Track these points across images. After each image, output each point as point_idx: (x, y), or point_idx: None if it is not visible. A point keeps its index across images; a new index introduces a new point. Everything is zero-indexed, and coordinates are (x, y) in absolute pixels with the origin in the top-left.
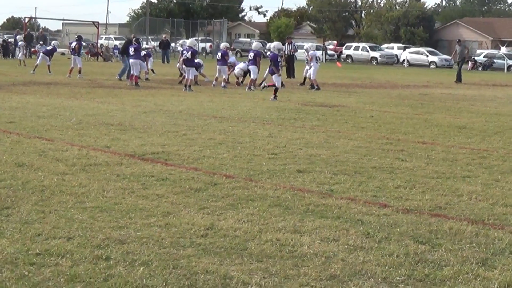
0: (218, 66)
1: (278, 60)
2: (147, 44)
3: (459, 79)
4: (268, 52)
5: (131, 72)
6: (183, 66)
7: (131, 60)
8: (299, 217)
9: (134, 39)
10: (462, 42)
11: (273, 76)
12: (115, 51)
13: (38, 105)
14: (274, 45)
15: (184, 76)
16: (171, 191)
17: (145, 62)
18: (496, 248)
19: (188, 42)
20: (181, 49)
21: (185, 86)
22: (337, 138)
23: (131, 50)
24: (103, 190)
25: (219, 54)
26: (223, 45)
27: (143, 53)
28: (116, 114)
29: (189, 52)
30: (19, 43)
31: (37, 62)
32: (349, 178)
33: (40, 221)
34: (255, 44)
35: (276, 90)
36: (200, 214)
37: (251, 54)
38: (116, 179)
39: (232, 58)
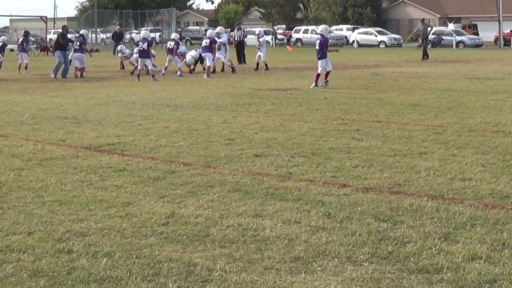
0: (168, 56)
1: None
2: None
3: (426, 56)
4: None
5: (75, 65)
6: (138, 57)
7: (75, 54)
8: (259, 201)
9: (79, 34)
10: (425, 21)
11: (320, 61)
12: None
13: None
14: (322, 28)
15: (136, 66)
16: (129, 181)
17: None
18: (457, 222)
19: (142, 33)
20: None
21: (138, 76)
22: (292, 121)
23: (76, 44)
24: (61, 183)
25: (171, 43)
26: (174, 35)
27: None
28: (69, 108)
29: (145, 44)
30: None
31: None
32: (306, 160)
33: None
34: (210, 31)
35: (318, 76)
36: (160, 203)
37: (206, 41)
38: (73, 172)
39: (182, 48)
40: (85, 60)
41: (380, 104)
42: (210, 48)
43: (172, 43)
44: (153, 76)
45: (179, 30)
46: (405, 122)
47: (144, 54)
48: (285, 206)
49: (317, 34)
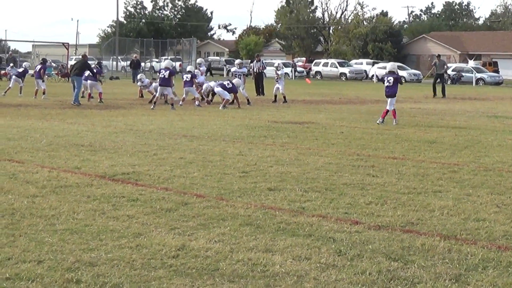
0: (185, 88)
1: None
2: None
3: (443, 93)
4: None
5: (89, 91)
6: (159, 85)
7: (90, 82)
8: (270, 235)
9: (97, 62)
10: (441, 57)
11: (391, 99)
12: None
13: (8, 127)
14: (393, 66)
15: (155, 95)
16: (141, 212)
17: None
18: (469, 263)
19: (165, 63)
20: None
21: (154, 103)
22: (308, 155)
23: (87, 72)
24: (73, 212)
25: (187, 76)
26: (190, 67)
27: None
28: (86, 135)
29: (167, 72)
30: None
31: (10, 86)
32: (320, 195)
33: (10, 245)
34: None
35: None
36: (171, 235)
37: (228, 82)
38: (86, 201)
39: (200, 78)
40: (101, 87)
41: (397, 140)
42: (225, 87)
43: (189, 75)
44: (172, 105)
45: (208, 59)
46: (421, 159)
47: (165, 82)
48: (296, 241)
49: (337, 67)
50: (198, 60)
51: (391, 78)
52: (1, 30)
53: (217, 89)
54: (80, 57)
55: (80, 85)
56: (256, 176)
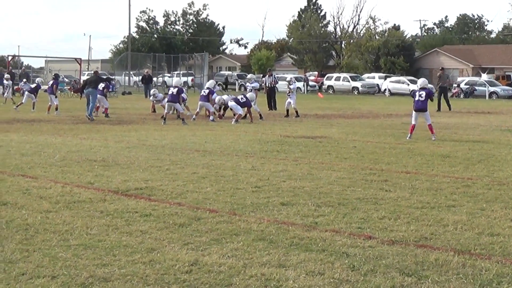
0: (200, 102)
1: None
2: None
3: (448, 106)
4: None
5: (97, 105)
6: (167, 102)
7: (99, 96)
8: (283, 251)
9: (106, 78)
10: (445, 70)
11: (427, 114)
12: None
13: (22, 142)
14: (424, 82)
15: (170, 111)
16: (155, 227)
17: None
18: (484, 279)
19: (174, 81)
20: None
21: (164, 119)
22: (320, 169)
23: (101, 87)
24: (87, 227)
25: (205, 91)
26: (210, 83)
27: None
28: (99, 150)
29: (176, 89)
30: (5, 82)
31: (23, 101)
32: (333, 210)
33: (24, 260)
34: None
35: (431, 127)
36: (184, 250)
37: (242, 97)
38: (99, 216)
39: (215, 95)
40: (107, 102)
41: (410, 155)
42: (239, 101)
43: (207, 91)
44: (183, 120)
45: (227, 73)
46: (434, 173)
47: (173, 98)
48: (309, 257)
49: (349, 81)
50: (249, 76)
51: (423, 93)
52: (13, 45)
53: (231, 104)
54: (92, 73)
55: (95, 99)
56: (269, 191)
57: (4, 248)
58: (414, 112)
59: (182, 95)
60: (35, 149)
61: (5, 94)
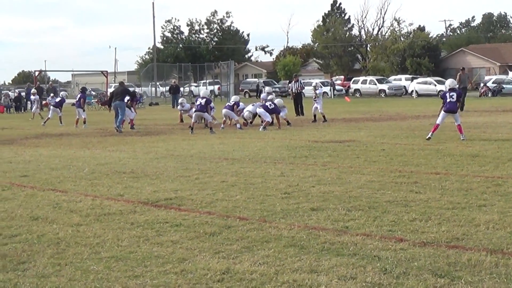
0: (224, 110)
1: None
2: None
3: (461, 107)
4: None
5: (124, 118)
6: (195, 112)
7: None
8: (315, 256)
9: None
10: (466, 70)
11: (457, 115)
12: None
13: (51, 157)
14: (452, 82)
15: (197, 121)
16: (185, 237)
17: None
18: None
19: (202, 92)
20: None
21: (191, 128)
22: (350, 173)
23: (126, 99)
24: (117, 239)
25: (230, 103)
26: (234, 98)
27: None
28: (128, 162)
29: (204, 100)
30: (32, 97)
31: (49, 116)
32: (363, 213)
33: (57, 274)
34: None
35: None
36: (215, 259)
37: (269, 103)
38: (130, 228)
39: (241, 106)
40: (133, 114)
41: (439, 156)
42: (275, 108)
43: (232, 103)
44: (210, 129)
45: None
46: (464, 173)
47: (201, 108)
48: (341, 261)
49: (375, 84)
50: (267, 89)
51: (454, 94)
52: (40, 60)
53: (259, 110)
54: (118, 84)
55: (124, 111)
56: (298, 196)
57: (36, 263)
58: (443, 112)
59: (211, 104)
60: (64, 163)
61: (33, 109)
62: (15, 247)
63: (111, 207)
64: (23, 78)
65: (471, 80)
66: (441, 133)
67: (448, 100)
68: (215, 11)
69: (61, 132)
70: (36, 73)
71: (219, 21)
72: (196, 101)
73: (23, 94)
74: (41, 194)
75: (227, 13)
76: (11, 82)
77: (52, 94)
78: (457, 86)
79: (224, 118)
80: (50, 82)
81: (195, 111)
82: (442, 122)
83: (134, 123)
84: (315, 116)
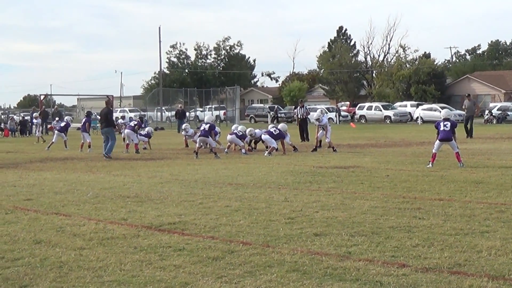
0: (229, 137)
1: None
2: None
3: (470, 134)
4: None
5: (127, 142)
6: (199, 137)
7: (128, 131)
8: (317, 281)
9: (139, 117)
10: (472, 97)
11: (452, 143)
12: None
13: (55, 180)
14: (447, 113)
15: (201, 146)
16: (188, 261)
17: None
18: None
19: (206, 118)
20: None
21: (196, 153)
22: (353, 199)
23: (132, 123)
24: (120, 263)
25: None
26: (235, 126)
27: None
28: (132, 186)
29: (208, 125)
30: (34, 121)
31: (53, 140)
32: (366, 239)
33: None
34: (282, 125)
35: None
36: (218, 283)
37: (274, 129)
38: (133, 252)
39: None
40: (136, 138)
41: (443, 182)
42: (279, 134)
43: (239, 133)
44: (215, 154)
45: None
46: (468, 200)
47: (205, 133)
48: (343, 286)
49: (381, 110)
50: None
51: (448, 123)
52: (46, 85)
53: (264, 137)
54: (105, 103)
55: (114, 135)
56: (302, 222)
57: (39, 287)
58: (438, 141)
59: (215, 130)
60: (68, 187)
61: (37, 133)
62: (18, 271)
63: (114, 231)
64: (29, 102)
65: (478, 106)
66: (445, 159)
67: (442, 128)
68: (229, 38)
69: (66, 156)
70: (42, 97)
71: (228, 48)
72: (201, 126)
73: (27, 118)
74: (44, 217)
75: (238, 41)
76: (16, 106)
77: (57, 118)
78: (465, 112)
79: (228, 143)
80: (55, 106)
81: (199, 136)
82: (438, 150)
83: (138, 148)
84: (320, 141)
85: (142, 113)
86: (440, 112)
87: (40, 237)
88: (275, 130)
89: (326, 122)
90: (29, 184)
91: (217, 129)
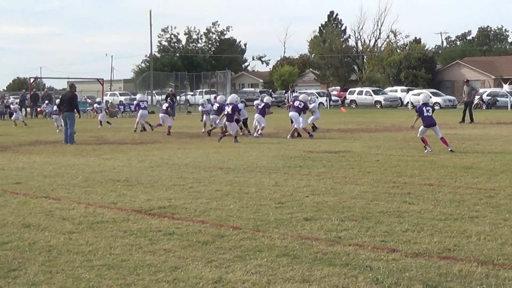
0: (225, 122)
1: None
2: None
3: (471, 119)
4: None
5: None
6: (224, 121)
7: (162, 115)
8: (307, 266)
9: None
10: (470, 82)
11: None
12: (120, 106)
13: (45, 164)
14: (424, 96)
15: (222, 128)
16: (178, 245)
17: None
18: None
19: (229, 98)
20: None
21: (220, 137)
22: (344, 184)
23: (164, 106)
24: (110, 247)
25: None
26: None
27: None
28: (122, 170)
29: (230, 107)
30: (12, 106)
31: (62, 124)
32: (356, 224)
33: (48, 282)
34: (267, 98)
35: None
36: (208, 268)
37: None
38: (123, 236)
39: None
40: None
41: (433, 167)
42: (264, 111)
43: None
44: (235, 137)
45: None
46: (457, 185)
47: (231, 118)
48: (333, 271)
49: (371, 95)
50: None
51: (429, 108)
52: (36, 68)
53: (292, 114)
54: (68, 88)
55: (73, 122)
56: (292, 206)
57: (27, 270)
58: (423, 127)
59: (238, 109)
60: (58, 171)
61: (13, 117)
62: (6, 254)
63: (104, 215)
64: (18, 85)
65: (477, 91)
66: (435, 144)
67: (425, 114)
68: (217, 23)
69: (55, 140)
70: (31, 80)
71: (218, 32)
72: (223, 109)
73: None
74: (33, 201)
75: (228, 27)
76: (5, 88)
77: (47, 101)
78: (465, 98)
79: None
80: (45, 89)
81: (227, 121)
82: (424, 135)
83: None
84: (313, 126)
85: (132, 96)
86: (431, 97)
87: (29, 221)
88: (300, 104)
89: (315, 106)
90: (18, 167)
91: (240, 105)
